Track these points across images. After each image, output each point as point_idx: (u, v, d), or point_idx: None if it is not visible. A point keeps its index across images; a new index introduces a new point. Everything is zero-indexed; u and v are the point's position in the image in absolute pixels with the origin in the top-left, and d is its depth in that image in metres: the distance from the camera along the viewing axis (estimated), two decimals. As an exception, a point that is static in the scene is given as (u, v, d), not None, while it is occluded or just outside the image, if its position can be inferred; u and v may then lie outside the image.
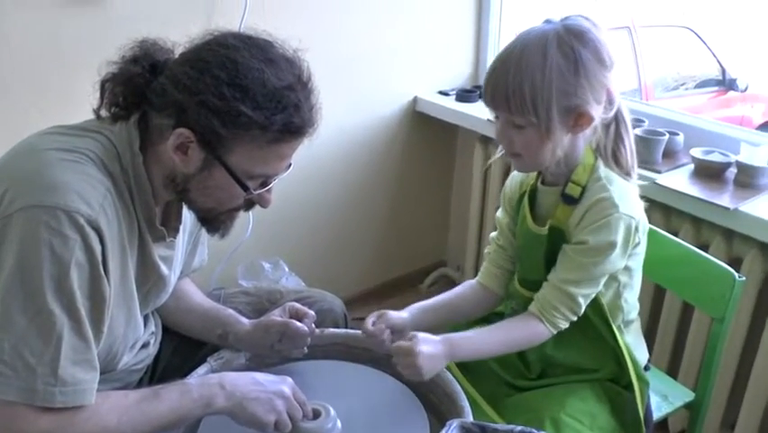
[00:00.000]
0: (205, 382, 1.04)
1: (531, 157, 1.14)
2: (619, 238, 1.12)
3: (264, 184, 1.06)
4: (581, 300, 1.16)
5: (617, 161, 1.17)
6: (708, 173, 1.70)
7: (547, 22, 1.11)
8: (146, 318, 1.22)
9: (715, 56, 4.47)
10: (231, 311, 1.31)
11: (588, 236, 1.13)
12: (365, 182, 2.40)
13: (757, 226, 1.52)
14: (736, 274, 1.27)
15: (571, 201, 1.16)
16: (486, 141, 2.29)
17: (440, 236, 2.73)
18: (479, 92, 2.35)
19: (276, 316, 1.25)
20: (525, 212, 1.24)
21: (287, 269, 2.09)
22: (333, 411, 1.11)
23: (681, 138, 1.84)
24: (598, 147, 1.17)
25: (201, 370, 1.21)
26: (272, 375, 1.09)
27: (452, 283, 2.68)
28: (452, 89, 2.41)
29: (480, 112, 2.24)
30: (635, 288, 1.25)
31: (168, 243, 1.14)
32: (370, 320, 1.22)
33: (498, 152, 1.23)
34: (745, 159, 1.65)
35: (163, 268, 1.15)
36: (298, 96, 0.99)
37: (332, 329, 1.35)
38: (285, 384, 1.07)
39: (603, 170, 1.16)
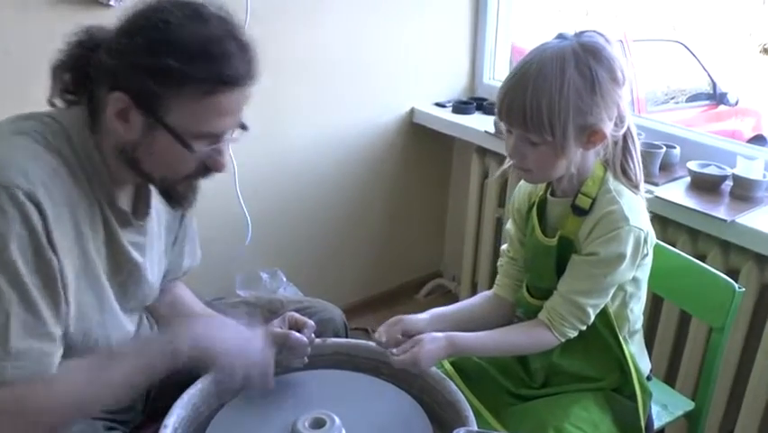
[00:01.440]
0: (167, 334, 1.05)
1: (542, 172, 1.16)
2: (629, 250, 1.14)
3: (214, 144, 1.04)
4: (590, 311, 1.18)
5: (625, 175, 1.19)
6: (705, 186, 1.72)
7: (561, 37, 1.12)
8: (140, 319, 1.22)
9: (705, 70, 4.52)
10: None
11: (598, 248, 1.14)
12: (362, 193, 2.41)
13: (754, 238, 1.54)
14: (736, 285, 1.29)
15: (581, 213, 1.17)
16: (483, 152, 2.30)
17: (436, 247, 2.75)
18: (475, 104, 2.38)
19: (275, 327, 1.25)
20: (534, 223, 1.25)
21: (284, 279, 2.09)
22: (337, 420, 1.11)
23: (677, 151, 1.86)
24: (607, 161, 1.19)
25: (206, 380, 1.21)
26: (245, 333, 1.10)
27: (448, 293, 2.70)
28: (449, 101, 2.42)
29: (476, 123, 2.26)
30: (641, 298, 1.26)
31: (137, 227, 1.14)
32: (383, 330, 1.22)
33: (506, 164, 1.23)
34: (741, 172, 1.67)
35: (135, 254, 1.14)
36: (230, 46, 0.98)
37: (334, 339, 1.35)
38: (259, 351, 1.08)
39: (612, 182, 1.17)
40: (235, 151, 2.00)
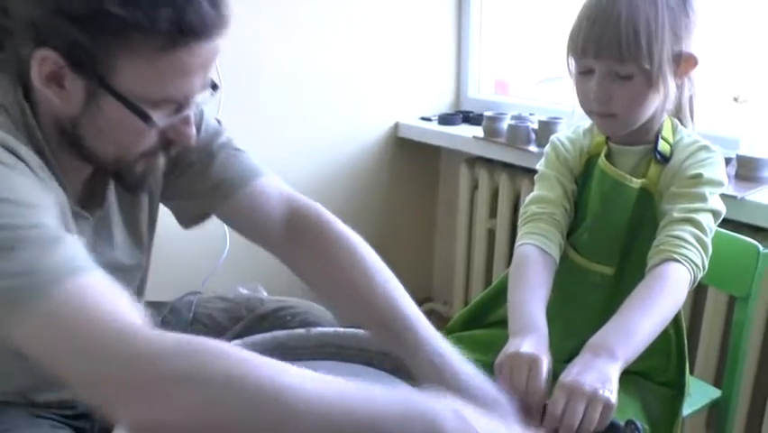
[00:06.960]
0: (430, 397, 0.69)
1: (631, 113, 1.04)
2: (725, 180, 1.05)
3: (178, 113, 0.84)
4: (707, 229, 1.01)
5: (684, 123, 1.12)
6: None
7: None
8: None
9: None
10: None
11: (699, 170, 1.04)
12: (346, 211, 2.21)
13: (766, 216, 1.43)
14: (760, 246, 1.17)
15: (663, 159, 1.07)
16: (472, 162, 2.21)
17: (426, 269, 2.61)
18: (461, 116, 2.30)
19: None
20: (607, 169, 1.10)
21: (265, 293, 1.95)
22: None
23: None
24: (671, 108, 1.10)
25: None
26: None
27: (441, 319, 2.54)
28: (434, 116, 2.35)
29: (464, 132, 2.17)
30: None
31: (86, 220, 0.92)
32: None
33: (576, 120, 1.14)
34: (745, 152, 1.59)
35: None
36: None
37: (319, 328, 1.22)
38: None
39: (682, 129, 1.11)
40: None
